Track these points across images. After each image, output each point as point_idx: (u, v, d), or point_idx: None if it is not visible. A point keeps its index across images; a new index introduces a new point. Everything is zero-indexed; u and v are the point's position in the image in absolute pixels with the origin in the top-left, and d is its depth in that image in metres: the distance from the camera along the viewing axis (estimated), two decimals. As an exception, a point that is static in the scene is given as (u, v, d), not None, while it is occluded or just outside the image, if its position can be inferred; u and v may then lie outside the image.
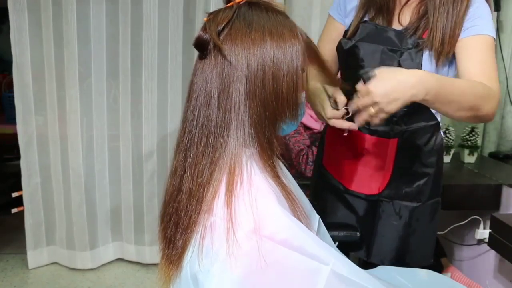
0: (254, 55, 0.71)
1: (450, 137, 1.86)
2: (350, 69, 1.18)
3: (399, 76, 0.86)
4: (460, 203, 1.64)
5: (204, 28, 0.73)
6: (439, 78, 0.91)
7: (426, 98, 0.87)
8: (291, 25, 0.75)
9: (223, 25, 0.72)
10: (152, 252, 2.23)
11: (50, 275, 2.15)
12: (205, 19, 0.75)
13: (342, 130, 1.06)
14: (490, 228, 1.44)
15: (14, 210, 2.16)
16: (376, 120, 0.88)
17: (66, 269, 2.20)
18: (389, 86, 0.85)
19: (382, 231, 1.23)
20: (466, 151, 1.86)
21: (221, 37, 0.72)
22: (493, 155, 1.97)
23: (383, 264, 1.22)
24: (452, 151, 1.89)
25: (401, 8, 1.12)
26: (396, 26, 1.13)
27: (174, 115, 2.11)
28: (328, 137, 1.33)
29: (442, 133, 1.23)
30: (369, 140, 1.21)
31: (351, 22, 1.17)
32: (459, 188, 1.63)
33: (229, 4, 0.75)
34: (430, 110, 1.16)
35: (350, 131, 1.08)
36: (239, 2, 0.75)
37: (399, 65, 1.08)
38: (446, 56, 1.06)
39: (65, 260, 2.22)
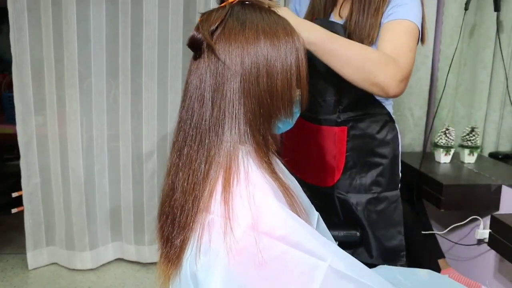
0: (248, 54, 0.71)
1: (450, 137, 1.86)
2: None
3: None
4: (460, 203, 1.64)
5: (197, 28, 0.74)
6: (328, 31, 1.01)
7: (312, 38, 0.96)
8: (285, 24, 0.76)
9: (217, 24, 0.72)
10: (152, 252, 2.23)
11: (50, 275, 2.15)
12: (199, 19, 0.76)
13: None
14: (490, 228, 1.44)
15: (14, 210, 2.16)
16: None
17: (66, 270, 2.20)
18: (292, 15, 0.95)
19: (343, 227, 1.25)
20: (466, 151, 1.86)
21: (214, 37, 0.72)
22: (493, 155, 1.97)
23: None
24: (452, 151, 1.89)
25: (342, 3, 1.23)
26: (337, 19, 1.23)
27: (174, 115, 2.09)
28: (285, 136, 1.36)
29: (397, 127, 1.28)
30: (317, 130, 1.25)
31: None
32: (459, 188, 1.63)
33: (222, 4, 0.76)
34: (375, 97, 1.21)
35: None
36: (232, 2, 0.76)
37: None
38: (369, 42, 1.14)
39: (65, 260, 2.21)
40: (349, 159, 1.24)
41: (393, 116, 1.27)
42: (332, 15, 1.25)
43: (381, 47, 1.09)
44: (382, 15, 1.14)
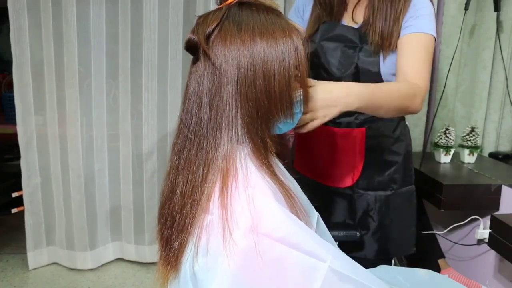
0: (244, 56, 0.70)
1: (450, 137, 1.86)
2: (313, 69, 1.25)
3: (331, 88, 0.88)
4: (460, 203, 1.64)
5: (193, 31, 0.73)
6: (368, 85, 0.96)
7: (360, 105, 0.91)
8: (283, 24, 0.74)
9: (213, 27, 0.71)
10: (152, 252, 2.23)
11: (50, 275, 2.15)
12: (196, 22, 0.75)
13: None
14: (490, 228, 1.44)
15: (14, 210, 2.16)
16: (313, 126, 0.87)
17: (66, 269, 2.20)
18: (324, 100, 0.85)
19: (361, 225, 1.27)
20: (466, 151, 1.86)
21: (211, 39, 0.72)
22: (493, 155, 1.97)
23: (366, 258, 1.26)
24: (452, 151, 1.89)
25: (354, 7, 1.21)
26: (351, 23, 1.22)
27: (174, 115, 2.11)
28: (297, 139, 1.36)
29: (407, 123, 1.31)
30: (336, 132, 1.26)
31: (308, 24, 1.26)
32: (459, 188, 1.63)
33: (220, 6, 0.75)
34: None
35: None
36: (229, 3, 0.74)
37: (359, 59, 1.18)
38: (390, 50, 1.15)
39: (65, 260, 2.22)
40: (367, 159, 1.26)
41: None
42: (343, 20, 1.23)
43: (403, 64, 1.10)
44: (401, 23, 1.13)
